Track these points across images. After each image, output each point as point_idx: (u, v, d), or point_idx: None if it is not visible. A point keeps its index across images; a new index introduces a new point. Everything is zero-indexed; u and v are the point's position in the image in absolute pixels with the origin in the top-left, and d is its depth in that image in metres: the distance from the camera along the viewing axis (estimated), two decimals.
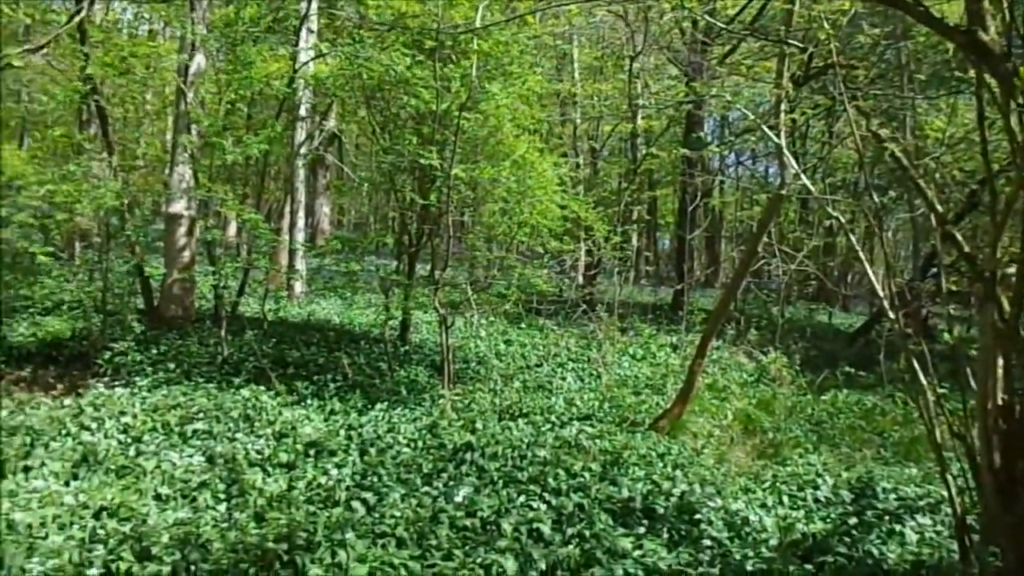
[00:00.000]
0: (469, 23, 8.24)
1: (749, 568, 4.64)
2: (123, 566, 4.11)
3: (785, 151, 6.30)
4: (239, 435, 6.40)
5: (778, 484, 6.32)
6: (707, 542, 4.94)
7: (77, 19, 7.23)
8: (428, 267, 10.10)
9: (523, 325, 12.72)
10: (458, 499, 5.20)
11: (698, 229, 18.20)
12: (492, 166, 8.57)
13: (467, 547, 4.64)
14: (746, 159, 27.55)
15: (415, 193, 8.96)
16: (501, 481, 5.65)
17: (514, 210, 9.10)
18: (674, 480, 5.97)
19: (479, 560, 4.46)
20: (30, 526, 4.49)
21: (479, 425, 7.12)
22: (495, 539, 4.74)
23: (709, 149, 16.63)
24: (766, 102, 17.85)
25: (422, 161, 8.05)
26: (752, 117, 8.27)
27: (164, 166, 12.00)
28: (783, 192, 7.57)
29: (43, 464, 5.49)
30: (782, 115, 6.99)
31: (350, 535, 4.57)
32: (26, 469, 5.43)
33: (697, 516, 5.28)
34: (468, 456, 6.13)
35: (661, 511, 5.34)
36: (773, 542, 5.05)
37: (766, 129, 6.51)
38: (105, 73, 9.37)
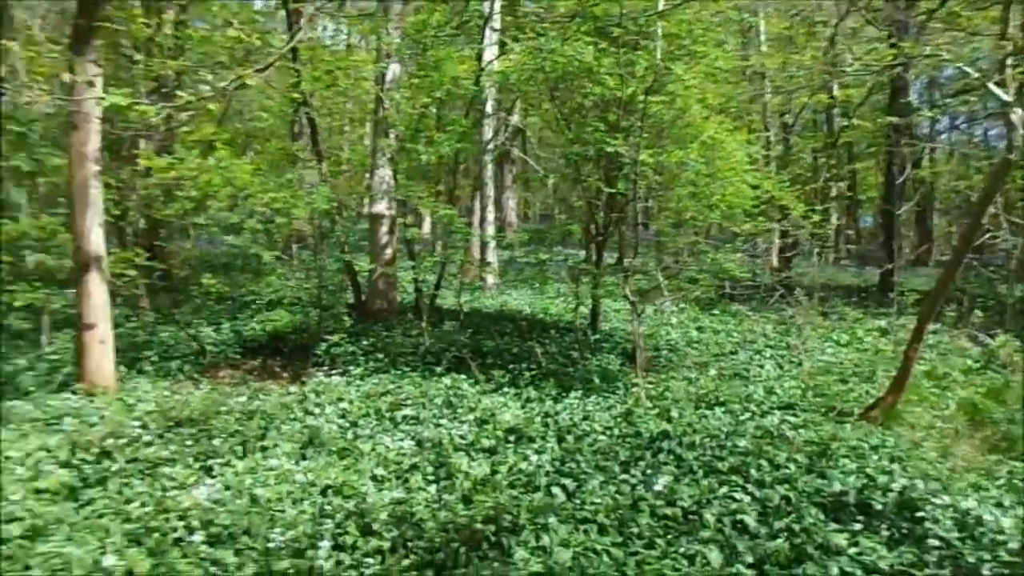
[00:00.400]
0: (652, 6, 8.10)
1: (985, 572, 4.22)
2: (349, 540, 4.48)
3: (1016, 110, 5.61)
4: (443, 421, 6.75)
5: (1016, 482, 5.68)
6: (933, 542, 4.54)
7: (296, 40, 7.91)
8: (616, 255, 10.07)
9: (715, 311, 12.35)
10: (657, 487, 5.15)
11: (907, 203, 16.70)
12: (680, 149, 8.37)
13: (669, 536, 4.60)
14: (961, 123, 24.92)
15: (601, 182, 8.95)
16: (701, 471, 5.53)
17: (703, 193, 8.84)
18: (891, 474, 5.54)
19: (682, 550, 4.41)
20: (269, 500, 5.01)
21: (674, 413, 7.01)
22: (697, 529, 4.66)
23: (918, 114, 15.21)
24: (983, 57, 16.01)
25: (608, 149, 8.03)
26: (975, 75, 7.44)
27: (365, 169, 12.85)
28: (1012, 156, 6.76)
29: (276, 445, 6.10)
30: (1008, 70, 6.25)
31: (552, 520, 4.68)
32: (263, 449, 6.05)
33: (920, 513, 4.87)
34: (665, 445, 6.07)
35: (878, 507, 4.98)
36: (1013, 545, 4.55)
37: (992, 87, 5.84)
38: (314, 87, 10.19)
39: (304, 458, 5.92)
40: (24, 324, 9.31)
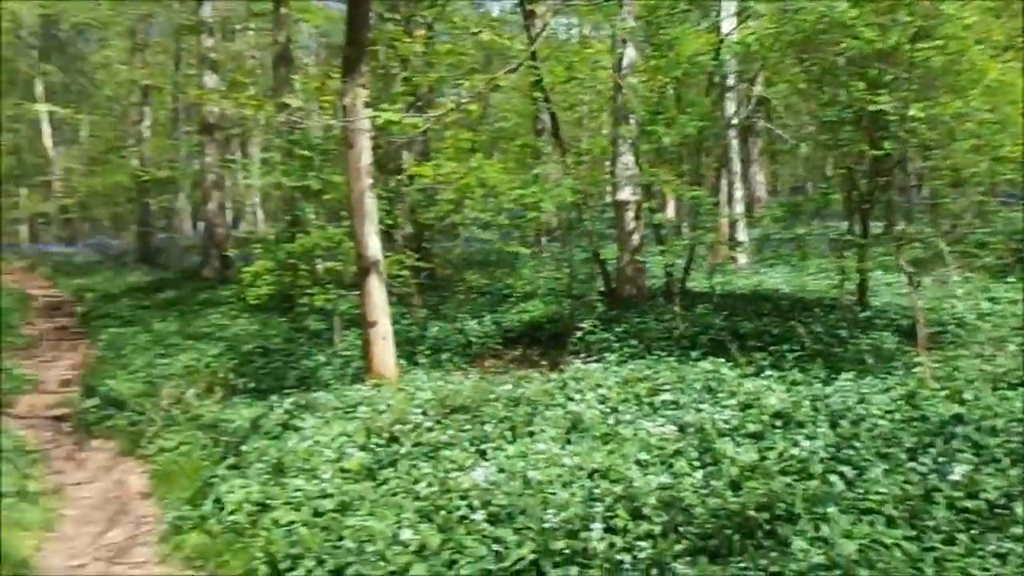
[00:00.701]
0: None
1: None
2: (620, 523, 4.55)
3: None
4: (704, 405, 6.58)
5: None
6: None
7: (539, 41, 8.20)
8: (884, 223, 9.21)
9: (1011, 279, 10.83)
10: (954, 477, 4.63)
11: None
12: (957, 98, 7.43)
13: (972, 531, 4.13)
14: None
15: (864, 144, 8.21)
16: (1007, 459, 4.89)
17: (990, 145, 7.78)
18: None
19: (990, 547, 3.93)
20: (541, 482, 5.24)
21: (968, 395, 6.25)
22: (1008, 525, 4.13)
23: None
24: None
25: (871, 108, 7.34)
26: None
27: (607, 158, 12.97)
28: None
29: (542, 430, 6.34)
30: None
31: (832, 509, 4.39)
32: (530, 434, 6.32)
33: None
34: (958, 430, 5.43)
35: None
36: None
37: None
38: (554, 81, 10.46)
39: (569, 442, 6.10)
40: (320, 325, 10.62)
